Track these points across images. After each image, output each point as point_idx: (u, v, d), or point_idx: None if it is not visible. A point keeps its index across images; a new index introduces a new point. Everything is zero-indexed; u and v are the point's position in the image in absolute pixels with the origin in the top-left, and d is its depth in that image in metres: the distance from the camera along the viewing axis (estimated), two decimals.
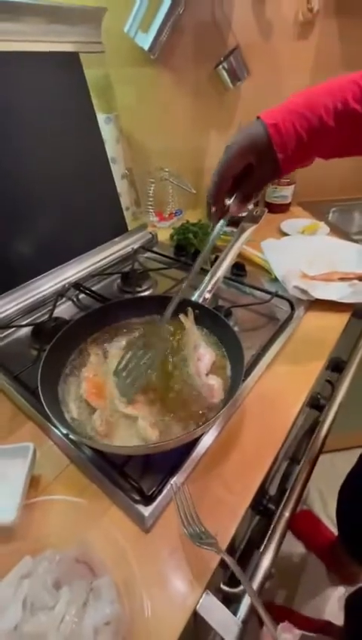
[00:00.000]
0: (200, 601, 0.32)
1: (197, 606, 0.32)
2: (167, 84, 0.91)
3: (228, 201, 0.45)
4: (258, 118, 0.39)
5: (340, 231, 0.98)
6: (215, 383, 0.43)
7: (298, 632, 0.23)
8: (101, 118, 0.78)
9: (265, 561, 0.38)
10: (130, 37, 0.81)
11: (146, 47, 0.81)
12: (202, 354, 0.47)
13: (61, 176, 0.71)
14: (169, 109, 0.95)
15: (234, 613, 0.33)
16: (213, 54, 0.87)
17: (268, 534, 0.41)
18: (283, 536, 0.42)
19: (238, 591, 0.36)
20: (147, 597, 0.32)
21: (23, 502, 0.36)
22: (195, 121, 0.98)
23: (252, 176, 0.42)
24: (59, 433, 0.45)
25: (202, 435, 0.44)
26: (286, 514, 0.43)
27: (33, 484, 0.40)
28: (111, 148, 0.84)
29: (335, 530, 1.04)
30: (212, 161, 1.06)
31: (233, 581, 0.37)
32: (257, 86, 0.93)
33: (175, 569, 0.34)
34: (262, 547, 0.40)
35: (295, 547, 1.08)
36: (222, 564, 0.35)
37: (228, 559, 0.32)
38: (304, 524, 1.11)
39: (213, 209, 0.46)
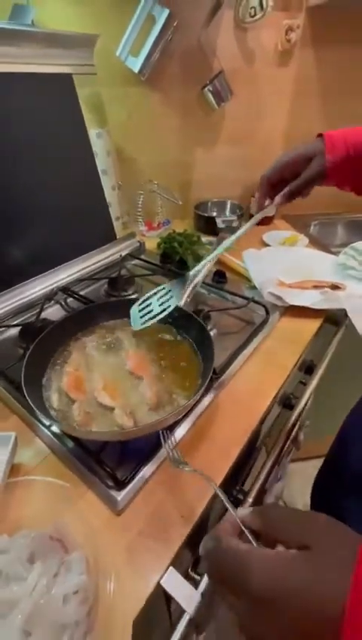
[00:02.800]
0: (165, 575, 0.35)
1: (161, 580, 0.34)
2: (156, 103, 0.97)
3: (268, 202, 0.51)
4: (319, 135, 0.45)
5: (319, 243, 1.03)
6: None
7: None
8: (93, 132, 0.83)
9: None
10: (121, 60, 0.87)
11: (136, 70, 0.87)
12: None
13: (53, 187, 0.75)
14: (158, 126, 1.00)
15: (196, 588, 0.35)
16: (200, 77, 0.93)
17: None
18: None
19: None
20: (115, 571, 0.34)
21: (2, 484, 0.39)
22: (183, 138, 1.04)
23: (300, 176, 0.47)
24: (40, 425, 0.48)
25: (173, 426, 0.47)
26: (249, 500, 0.45)
27: (14, 470, 0.43)
28: (103, 161, 0.89)
29: None
30: (199, 175, 1.12)
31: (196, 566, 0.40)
32: (240, 107, 1.00)
33: (142, 547, 0.37)
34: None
35: None
36: (188, 544, 0.38)
37: (204, 475, 0.35)
38: None
39: (258, 195, 0.51)
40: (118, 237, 0.93)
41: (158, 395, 0.46)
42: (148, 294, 0.55)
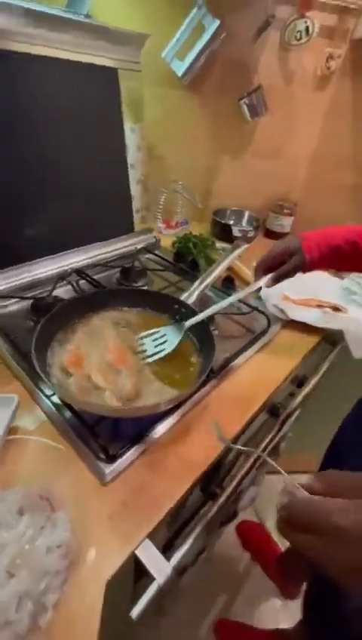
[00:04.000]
0: (140, 545, 0.37)
1: (136, 549, 0.37)
2: (193, 108, 1.00)
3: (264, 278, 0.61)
4: (297, 236, 0.59)
5: None
6: None
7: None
8: (127, 126, 0.86)
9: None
10: (166, 61, 0.90)
11: (180, 73, 0.91)
12: None
13: (83, 171, 0.78)
14: (191, 129, 1.03)
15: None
16: (238, 89, 0.96)
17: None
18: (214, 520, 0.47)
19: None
20: (96, 535, 0.37)
21: (2, 440, 0.41)
22: (213, 145, 1.07)
23: (285, 265, 0.59)
24: (41, 394, 0.51)
25: (165, 416, 0.49)
26: (226, 493, 0.48)
27: (12, 431, 0.45)
28: (132, 155, 0.91)
29: (282, 546, 1.09)
30: (222, 182, 1.15)
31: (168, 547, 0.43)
32: (272, 123, 1.03)
33: (123, 518, 0.39)
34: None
35: (241, 557, 1.13)
36: (166, 523, 0.41)
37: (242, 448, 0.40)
38: (254, 536, 1.15)
39: (255, 278, 0.62)
40: (135, 230, 0.95)
41: (137, 387, 0.49)
42: (144, 334, 0.56)
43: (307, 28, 0.87)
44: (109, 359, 0.52)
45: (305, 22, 0.86)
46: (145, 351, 0.54)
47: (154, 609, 0.74)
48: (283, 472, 0.30)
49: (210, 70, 0.94)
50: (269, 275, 0.60)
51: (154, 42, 0.80)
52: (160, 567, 0.37)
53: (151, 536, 0.39)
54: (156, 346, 0.54)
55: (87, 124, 0.76)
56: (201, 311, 0.65)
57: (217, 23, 0.84)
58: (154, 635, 0.94)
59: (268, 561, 1.09)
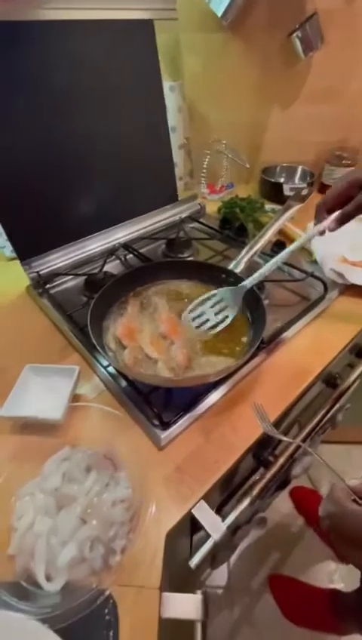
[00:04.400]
0: (197, 505, 0.40)
1: (193, 508, 0.40)
2: (235, 54, 0.90)
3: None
4: None
5: None
6: None
7: None
8: (166, 85, 0.81)
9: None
10: (204, 1, 0.81)
11: (220, 13, 0.81)
12: None
13: (122, 142, 0.76)
14: (234, 79, 0.94)
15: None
16: (288, 21, 0.84)
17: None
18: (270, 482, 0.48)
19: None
20: (154, 495, 0.40)
21: (68, 406, 0.46)
22: (259, 95, 0.97)
23: (351, 202, 0.50)
24: (98, 364, 0.54)
25: (216, 386, 0.50)
26: (279, 463, 0.48)
27: (75, 399, 0.50)
28: (173, 117, 0.87)
29: None
30: (271, 136, 1.04)
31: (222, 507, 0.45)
32: (330, 58, 0.89)
33: (179, 480, 0.42)
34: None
35: (296, 520, 1.15)
36: (218, 487, 0.43)
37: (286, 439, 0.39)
38: (308, 502, 1.16)
39: (316, 220, 0.54)
40: (179, 198, 0.93)
41: (189, 358, 0.49)
42: (198, 301, 0.54)
43: None
44: (162, 331, 0.53)
45: None
46: (206, 321, 0.52)
47: (210, 562, 0.79)
48: (331, 468, 0.29)
49: (255, 4, 0.83)
50: (333, 216, 0.51)
51: None
52: (215, 526, 0.39)
53: (205, 497, 0.41)
54: (217, 314, 0.53)
55: (125, 89, 0.73)
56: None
57: None
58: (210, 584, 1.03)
59: (323, 530, 1.10)
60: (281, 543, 1.11)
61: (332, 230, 0.52)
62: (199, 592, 0.34)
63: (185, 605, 0.33)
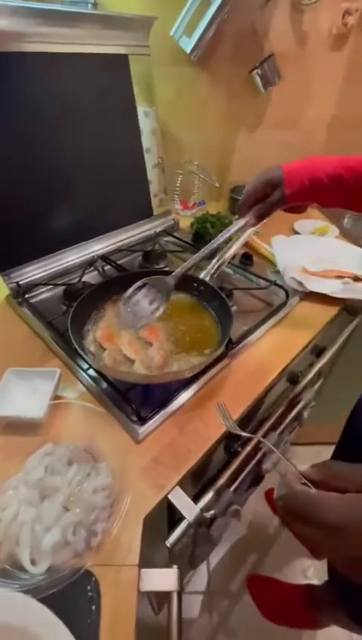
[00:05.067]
0: (172, 491, 0.43)
1: (169, 494, 0.43)
2: (204, 85, 0.99)
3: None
4: (280, 167, 0.56)
5: (350, 235, 1.04)
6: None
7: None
8: (141, 110, 0.88)
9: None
10: (174, 40, 0.90)
11: (188, 50, 0.90)
12: None
13: (99, 160, 0.81)
14: (204, 107, 1.03)
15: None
16: (249, 60, 0.94)
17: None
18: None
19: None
20: (132, 483, 0.43)
21: (50, 404, 0.48)
22: (227, 120, 1.06)
23: (266, 201, 0.57)
24: (79, 368, 0.57)
25: (189, 384, 0.54)
26: (245, 452, 0.53)
27: (57, 399, 0.52)
28: (147, 139, 0.93)
29: None
30: (238, 158, 1.14)
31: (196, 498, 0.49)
32: (287, 91, 1.00)
33: (155, 470, 0.45)
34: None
35: (272, 521, 1.19)
36: (192, 476, 0.47)
37: (247, 434, 0.42)
38: None
39: (238, 217, 0.61)
40: (154, 214, 0.99)
41: (165, 358, 0.53)
42: (129, 292, 0.57)
43: None
44: (143, 335, 0.57)
45: None
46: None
47: (188, 561, 0.82)
48: (283, 457, 0.33)
49: (219, 43, 0.92)
50: (252, 212, 0.58)
51: (161, 22, 0.80)
52: (189, 508, 0.42)
53: (180, 485, 0.45)
54: (151, 303, 0.57)
55: (102, 113, 0.79)
56: (219, 286, 0.68)
57: None
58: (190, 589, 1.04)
59: None
60: (258, 543, 1.15)
61: (252, 225, 0.59)
62: (175, 566, 0.37)
63: (162, 578, 0.37)
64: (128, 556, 0.37)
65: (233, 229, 0.60)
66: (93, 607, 0.33)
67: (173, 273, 0.59)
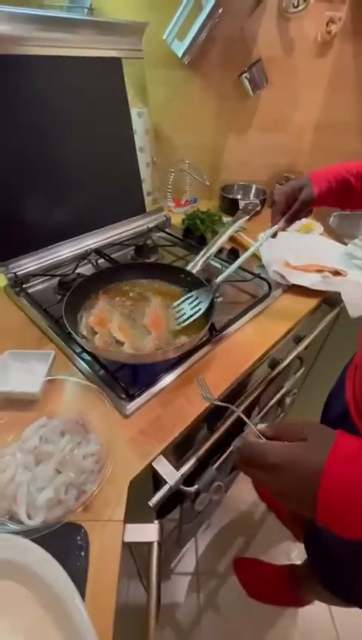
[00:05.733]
0: (155, 459, 0.48)
1: (153, 462, 0.47)
2: (195, 88, 1.03)
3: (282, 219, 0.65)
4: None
5: (333, 233, 1.09)
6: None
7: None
8: (134, 111, 0.92)
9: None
10: (167, 43, 0.94)
11: (180, 54, 0.94)
12: None
13: (94, 159, 0.86)
14: (195, 108, 1.07)
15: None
16: (239, 64, 0.99)
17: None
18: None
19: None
20: (120, 452, 0.47)
21: (45, 381, 0.52)
22: (217, 122, 1.11)
23: (297, 201, 0.61)
24: (72, 351, 0.61)
25: (175, 365, 0.59)
26: (225, 426, 0.57)
27: (51, 380, 0.57)
28: (141, 138, 0.98)
29: None
30: (229, 158, 1.18)
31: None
32: (275, 95, 1.05)
33: (142, 441, 0.50)
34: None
35: (259, 507, 1.24)
36: (177, 449, 0.51)
37: (219, 402, 0.46)
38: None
39: (271, 222, 0.66)
40: (147, 210, 1.03)
41: (159, 347, 0.58)
42: (180, 301, 0.64)
43: None
44: (145, 322, 0.61)
45: None
46: (183, 314, 0.62)
47: (176, 541, 0.86)
48: (248, 421, 0.38)
49: (210, 48, 0.97)
50: (283, 219, 0.63)
51: (154, 27, 0.85)
52: (170, 474, 0.47)
53: (164, 455, 0.49)
54: (192, 308, 0.62)
55: (97, 114, 0.83)
56: (206, 277, 0.72)
57: (213, 0, 0.86)
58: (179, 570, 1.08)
59: (281, 510, 1.20)
60: (246, 528, 1.19)
61: (282, 229, 0.64)
62: (156, 521, 0.42)
63: (144, 531, 0.41)
64: (115, 513, 0.42)
65: (266, 235, 0.66)
66: (83, 553, 0.38)
67: (220, 277, 0.66)
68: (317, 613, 1.02)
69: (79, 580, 0.35)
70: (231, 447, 0.35)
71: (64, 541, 0.38)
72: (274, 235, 0.66)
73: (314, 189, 0.59)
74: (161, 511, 0.56)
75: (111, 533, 0.40)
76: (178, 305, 0.64)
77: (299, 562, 1.08)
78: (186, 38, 0.93)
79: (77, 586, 0.33)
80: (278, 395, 0.79)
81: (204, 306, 0.62)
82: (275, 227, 0.64)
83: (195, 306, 0.62)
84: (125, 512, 0.42)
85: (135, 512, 0.44)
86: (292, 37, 0.97)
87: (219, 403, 0.45)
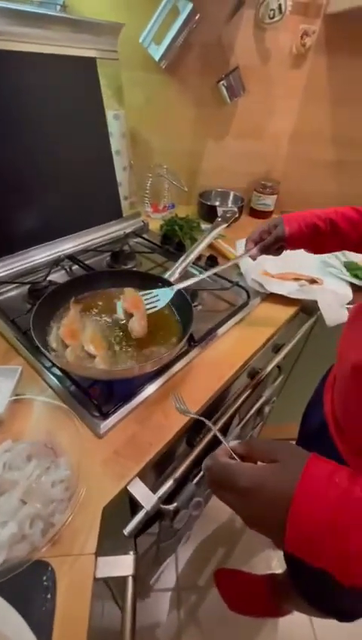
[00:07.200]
0: (131, 482, 0.45)
1: (128, 485, 0.45)
2: (173, 92, 1.02)
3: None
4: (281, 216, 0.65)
5: None
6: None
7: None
8: (110, 113, 0.89)
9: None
10: (143, 47, 0.92)
11: (157, 58, 0.93)
12: None
13: (68, 161, 0.82)
14: (172, 113, 1.06)
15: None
16: (216, 71, 0.98)
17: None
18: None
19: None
20: (93, 476, 0.44)
21: (9, 401, 0.48)
22: (195, 128, 1.10)
23: (269, 236, 0.65)
24: (41, 365, 0.57)
25: (153, 379, 0.56)
26: (204, 442, 0.55)
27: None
28: (117, 141, 0.95)
29: None
30: (206, 164, 1.18)
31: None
32: (251, 104, 1.05)
33: (116, 463, 0.47)
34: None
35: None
36: (155, 468, 0.48)
37: (195, 415, 0.44)
38: None
39: (245, 249, 0.68)
40: (124, 215, 1.00)
41: (144, 329, 0.56)
42: (141, 293, 0.61)
43: (280, 5, 0.88)
44: (124, 306, 0.59)
45: None
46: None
47: (154, 558, 0.83)
48: (221, 438, 0.36)
49: (187, 54, 0.96)
50: (257, 246, 0.66)
51: (131, 29, 0.82)
52: (147, 498, 0.44)
53: (140, 476, 0.46)
54: (149, 303, 0.60)
55: (69, 113, 0.79)
56: (184, 287, 0.70)
57: (190, 5, 0.85)
58: (159, 587, 1.05)
59: None
60: (226, 538, 1.18)
61: (254, 258, 0.67)
62: (131, 552, 0.39)
63: (118, 564, 0.38)
64: (86, 545, 0.38)
65: (237, 258, 0.72)
66: (49, 595, 0.34)
67: (178, 284, 0.63)
68: (298, 624, 1.01)
69: (44, 627, 0.32)
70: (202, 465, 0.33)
71: (27, 582, 0.34)
72: (252, 258, 0.68)
73: (286, 228, 0.62)
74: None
75: (81, 568, 0.37)
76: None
77: (279, 571, 1.07)
78: (163, 42, 0.92)
79: (42, 633, 0.30)
80: (257, 405, 0.78)
81: (162, 303, 0.60)
82: (249, 252, 0.67)
83: (153, 302, 0.60)
84: (97, 542, 0.39)
85: (107, 538, 0.41)
86: (268, 47, 0.97)
87: (195, 416, 0.43)
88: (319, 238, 0.63)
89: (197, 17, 0.89)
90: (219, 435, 0.37)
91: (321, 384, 0.67)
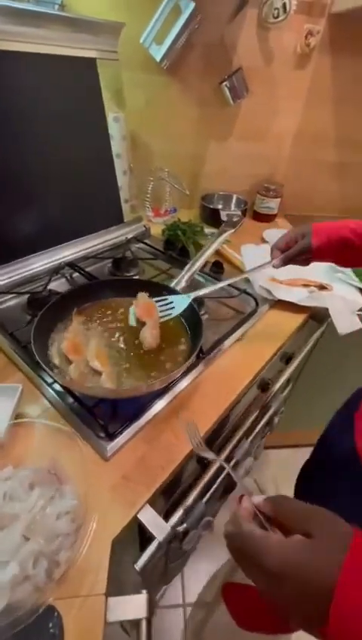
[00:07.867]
0: (141, 510, 0.42)
1: (138, 513, 0.41)
2: (175, 93, 1.00)
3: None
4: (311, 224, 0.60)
5: None
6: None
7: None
8: (110, 116, 0.87)
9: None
10: (144, 47, 0.90)
11: (158, 58, 0.90)
12: None
13: (68, 165, 0.79)
14: (174, 115, 1.03)
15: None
16: (219, 72, 0.96)
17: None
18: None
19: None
20: (100, 504, 0.41)
21: (10, 424, 0.45)
22: (197, 130, 1.07)
23: (295, 246, 0.61)
24: (43, 382, 0.54)
25: (160, 396, 0.53)
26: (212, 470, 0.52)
27: (19, 417, 0.49)
28: (117, 144, 0.92)
29: None
30: (209, 167, 1.15)
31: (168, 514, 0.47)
32: (255, 105, 1.03)
33: (125, 488, 0.43)
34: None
35: None
36: (164, 490, 0.45)
37: (214, 457, 0.40)
38: None
39: (271, 257, 0.64)
40: (125, 220, 0.97)
41: (156, 339, 0.53)
42: (156, 299, 0.59)
43: (284, 5, 0.86)
44: (138, 313, 0.56)
45: None
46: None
47: (161, 576, 0.79)
48: (242, 483, 0.32)
49: (189, 54, 0.93)
50: (279, 258, 0.62)
51: (132, 29, 0.80)
52: (159, 527, 0.41)
53: (150, 502, 0.43)
54: (163, 311, 0.57)
55: (69, 115, 0.76)
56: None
57: (192, 5, 0.83)
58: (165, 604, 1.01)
59: None
60: None
61: (276, 267, 0.63)
62: (144, 591, 0.36)
63: (130, 606, 0.35)
64: (95, 585, 0.35)
65: (259, 267, 0.64)
66: None
67: (192, 294, 0.60)
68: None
69: None
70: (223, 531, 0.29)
71: (31, 629, 0.31)
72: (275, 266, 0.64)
73: (313, 240, 0.58)
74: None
75: (90, 611, 0.33)
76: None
77: None
78: (165, 42, 0.89)
79: None
80: (267, 417, 0.75)
81: (176, 311, 0.57)
82: (270, 263, 0.62)
83: (167, 310, 0.58)
84: (108, 580, 0.36)
85: (118, 569, 0.38)
86: (272, 47, 0.95)
87: (212, 456, 0.39)
88: (350, 252, 0.58)
89: (199, 17, 0.87)
90: (240, 484, 0.33)
91: (346, 408, 0.64)
